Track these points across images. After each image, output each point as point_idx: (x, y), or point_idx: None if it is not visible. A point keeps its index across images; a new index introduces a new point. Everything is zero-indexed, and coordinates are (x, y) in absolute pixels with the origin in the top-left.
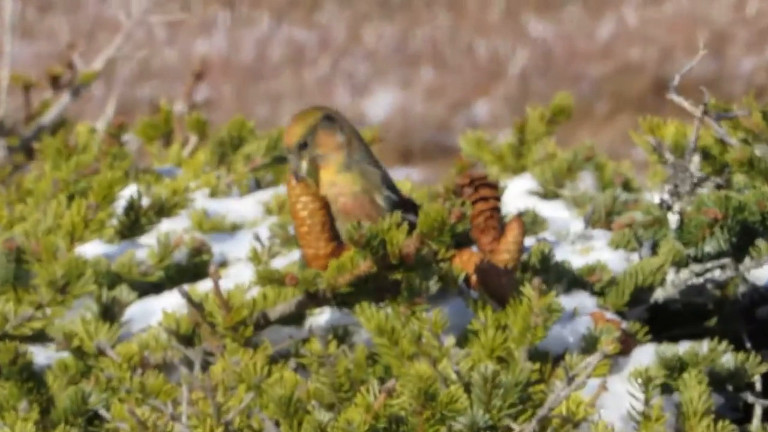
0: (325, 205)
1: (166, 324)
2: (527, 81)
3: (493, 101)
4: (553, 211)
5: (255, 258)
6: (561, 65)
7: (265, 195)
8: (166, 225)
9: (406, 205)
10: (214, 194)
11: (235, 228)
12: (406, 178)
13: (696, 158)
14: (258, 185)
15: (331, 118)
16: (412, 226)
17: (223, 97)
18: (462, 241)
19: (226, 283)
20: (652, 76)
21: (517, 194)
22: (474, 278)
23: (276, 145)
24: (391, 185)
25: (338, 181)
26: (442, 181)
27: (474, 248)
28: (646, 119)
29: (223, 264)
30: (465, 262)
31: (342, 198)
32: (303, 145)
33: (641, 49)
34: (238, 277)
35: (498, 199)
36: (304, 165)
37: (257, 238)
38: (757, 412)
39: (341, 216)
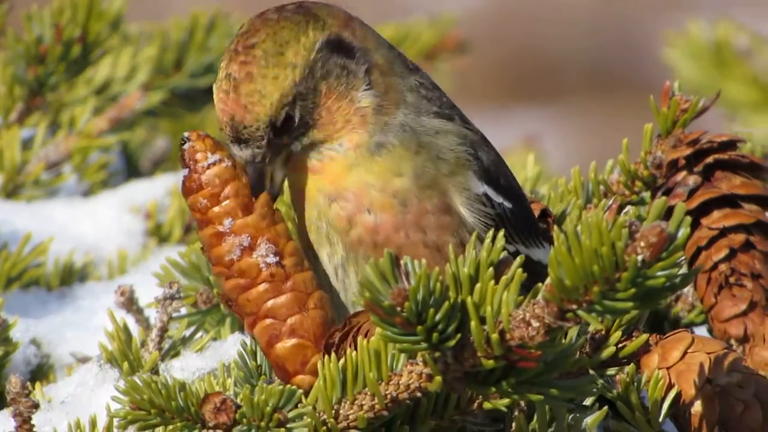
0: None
1: None
2: None
3: None
4: None
5: (122, 355)
6: None
7: (150, 189)
8: None
9: (523, 215)
10: (15, 188)
11: (69, 276)
12: (527, 140)
13: None
14: (131, 166)
15: (343, 44)
16: (532, 273)
17: None
18: (664, 314)
19: (53, 420)
20: None
21: None
22: (697, 410)
23: (181, 57)
24: (489, 167)
25: (352, 184)
26: (614, 148)
27: (698, 330)
28: None
29: (43, 370)
30: (673, 368)
31: (366, 215)
32: (281, 127)
33: None
34: (79, 406)
35: (765, 201)
36: (280, 173)
37: (128, 299)
38: None
39: (362, 250)
